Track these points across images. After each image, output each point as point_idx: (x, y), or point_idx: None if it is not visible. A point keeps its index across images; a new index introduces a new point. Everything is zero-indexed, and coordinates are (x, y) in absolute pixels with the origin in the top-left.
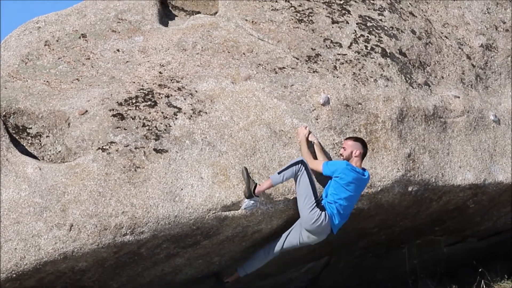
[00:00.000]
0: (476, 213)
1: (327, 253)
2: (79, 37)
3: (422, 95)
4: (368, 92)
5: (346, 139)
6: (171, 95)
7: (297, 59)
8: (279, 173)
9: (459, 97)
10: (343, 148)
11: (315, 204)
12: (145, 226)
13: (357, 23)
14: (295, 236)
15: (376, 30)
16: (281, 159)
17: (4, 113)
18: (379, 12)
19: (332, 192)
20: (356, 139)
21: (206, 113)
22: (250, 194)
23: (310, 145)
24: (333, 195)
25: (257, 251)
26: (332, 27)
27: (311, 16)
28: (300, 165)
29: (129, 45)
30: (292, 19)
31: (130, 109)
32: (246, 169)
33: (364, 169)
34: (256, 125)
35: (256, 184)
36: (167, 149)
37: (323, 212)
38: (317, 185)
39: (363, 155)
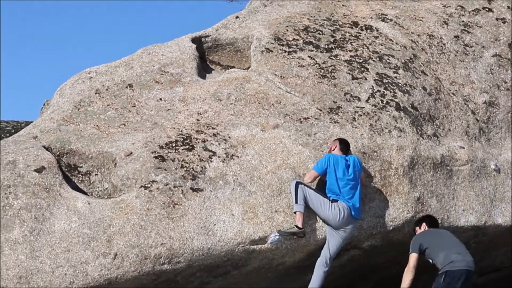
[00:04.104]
0: (477, 252)
1: (344, 287)
2: (126, 87)
3: (431, 145)
4: (383, 141)
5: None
6: (207, 140)
7: (320, 110)
8: (296, 202)
9: (464, 148)
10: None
11: (330, 202)
12: (181, 256)
13: (374, 80)
14: (336, 239)
15: (391, 86)
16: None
17: (58, 153)
18: (394, 70)
19: (329, 187)
20: (337, 138)
21: (238, 157)
22: (302, 232)
23: None
24: (331, 188)
25: (314, 273)
26: (352, 83)
27: (334, 73)
28: (300, 185)
29: (171, 95)
30: (317, 75)
31: (170, 152)
32: (280, 231)
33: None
34: (282, 168)
35: (295, 225)
36: (202, 189)
37: (338, 202)
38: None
39: (341, 149)
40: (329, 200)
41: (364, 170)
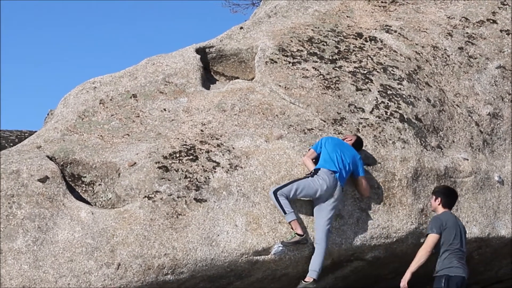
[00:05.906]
0: (480, 263)
1: None
2: (130, 97)
3: (435, 157)
4: (387, 153)
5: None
6: (211, 150)
7: (324, 121)
8: (285, 213)
9: (467, 160)
10: None
11: (311, 178)
12: (185, 267)
13: (378, 91)
14: (327, 210)
15: (395, 98)
16: (307, 210)
17: (62, 163)
18: (398, 81)
19: (321, 161)
20: (356, 134)
21: (241, 167)
22: (304, 238)
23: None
24: (322, 160)
25: (315, 253)
26: (356, 94)
27: (338, 84)
28: (278, 191)
29: (175, 105)
30: (321, 86)
31: (174, 162)
32: (283, 242)
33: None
34: (286, 179)
35: (295, 234)
36: (206, 199)
37: (319, 172)
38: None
39: (353, 145)
40: (310, 176)
41: (368, 180)
